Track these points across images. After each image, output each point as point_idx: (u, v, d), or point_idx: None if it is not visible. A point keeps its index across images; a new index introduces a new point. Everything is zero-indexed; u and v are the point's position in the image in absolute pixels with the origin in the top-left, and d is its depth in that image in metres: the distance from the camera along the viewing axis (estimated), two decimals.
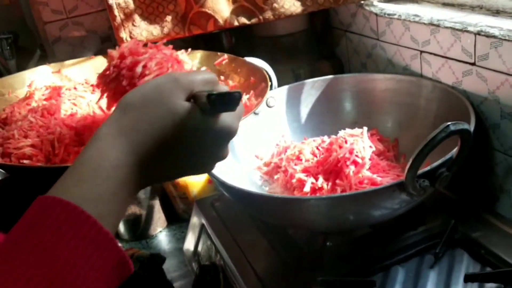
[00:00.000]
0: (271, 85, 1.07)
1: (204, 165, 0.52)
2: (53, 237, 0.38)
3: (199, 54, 1.08)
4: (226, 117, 0.48)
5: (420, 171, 0.70)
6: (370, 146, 0.92)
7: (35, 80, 1.05)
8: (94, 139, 0.45)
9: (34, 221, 0.39)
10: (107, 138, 0.44)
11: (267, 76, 0.92)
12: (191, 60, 0.94)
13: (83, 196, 0.41)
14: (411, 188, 0.69)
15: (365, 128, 0.94)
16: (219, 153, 0.51)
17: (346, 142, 0.90)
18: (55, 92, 1.00)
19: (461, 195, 0.93)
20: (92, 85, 1.06)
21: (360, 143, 0.90)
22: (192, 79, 0.48)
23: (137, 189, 0.46)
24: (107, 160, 0.43)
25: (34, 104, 0.96)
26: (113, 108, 0.70)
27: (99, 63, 1.11)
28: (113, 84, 0.81)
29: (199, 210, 1.05)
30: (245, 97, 0.89)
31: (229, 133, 0.50)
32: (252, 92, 0.90)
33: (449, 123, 0.66)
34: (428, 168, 0.71)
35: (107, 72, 0.81)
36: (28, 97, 1.00)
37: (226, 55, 1.04)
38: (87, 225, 0.39)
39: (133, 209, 1.27)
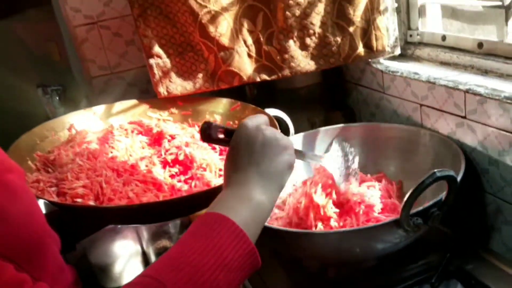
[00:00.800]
0: (288, 132, 1.22)
1: (278, 170, 0.71)
2: (208, 231, 0.60)
3: (224, 100, 1.27)
4: (237, 132, 0.71)
5: (414, 211, 0.83)
6: (380, 190, 1.04)
7: (74, 123, 1.20)
8: (237, 181, 0.69)
9: (208, 226, 0.61)
10: (247, 185, 0.69)
11: (275, 122, 1.06)
12: (209, 106, 1.20)
13: (242, 219, 0.63)
14: (406, 225, 0.82)
15: (377, 184, 1.07)
16: (282, 159, 0.71)
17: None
18: (94, 136, 1.15)
19: (456, 232, 1.04)
20: (126, 130, 1.20)
21: (371, 191, 1.03)
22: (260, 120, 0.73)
23: (263, 195, 0.68)
24: (255, 201, 0.67)
25: (78, 148, 1.09)
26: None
27: (137, 111, 1.28)
28: None
29: None
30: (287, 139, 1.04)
31: (249, 132, 0.70)
32: None
33: (435, 170, 0.79)
34: (421, 208, 0.84)
35: None
36: (71, 140, 1.14)
37: (239, 103, 1.20)
38: (245, 239, 0.61)
39: (164, 242, 1.41)
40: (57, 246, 0.71)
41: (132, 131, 1.18)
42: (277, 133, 0.72)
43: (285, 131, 1.19)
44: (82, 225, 0.99)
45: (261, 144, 0.69)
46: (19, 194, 0.61)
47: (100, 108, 1.26)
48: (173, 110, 1.26)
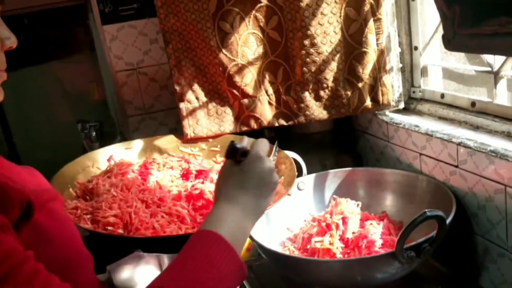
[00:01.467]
0: (302, 172, 1.36)
1: (262, 192, 0.79)
2: (210, 251, 0.68)
3: (250, 140, 1.37)
4: (248, 158, 0.79)
5: (408, 245, 0.96)
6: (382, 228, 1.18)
7: (113, 155, 1.30)
8: (228, 200, 0.77)
9: (198, 244, 0.69)
10: (237, 206, 0.76)
11: (294, 165, 1.16)
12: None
13: (231, 237, 0.71)
14: (401, 257, 0.95)
15: (380, 224, 1.21)
16: (266, 182, 0.79)
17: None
18: (130, 168, 1.25)
19: (449, 269, 1.16)
20: (158, 163, 1.32)
21: (373, 228, 1.17)
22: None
23: (249, 222, 0.77)
24: (241, 221, 0.75)
25: (114, 179, 1.19)
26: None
27: (170, 146, 1.40)
28: None
29: None
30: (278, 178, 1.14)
31: (257, 160, 0.79)
32: (282, 178, 1.14)
33: (426, 210, 0.93)
34: (414, 243, 0.97)
35: None
36: (109, 170, 1.24)
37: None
38: (235, 256, 0.69)
39: None
40: (92, 266, 0.80)
41: (164, 165, 1.32)
42: (272, 168, 0.81)
43: (299, 171, 1.33)
44: (112, 250, 1.06)
45: (264, 177, 0.79)
46: (61, 220, 0.72)
47: (137, 143, 1.38)
48: (203, 146, 1.35)
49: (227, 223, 0.73)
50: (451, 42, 0.70)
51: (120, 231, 0.97)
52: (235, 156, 0.79)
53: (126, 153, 1.34)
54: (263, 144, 0.83)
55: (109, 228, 0.96)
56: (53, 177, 1.09)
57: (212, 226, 0.71)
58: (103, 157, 1.27)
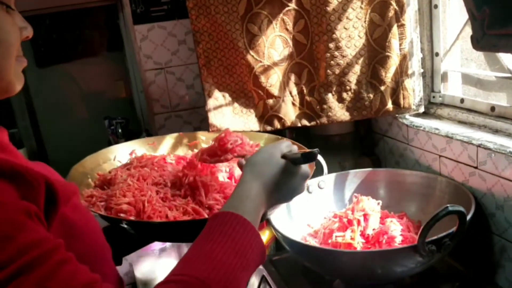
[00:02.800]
0: (323, 172, 1.39)
1: (292, 196, 0.85)
2: (232, 232, 0.69)
3: (267, 135, 1.33)
4: (304, 166, 0.84)
5: (430, 239, 1.00)
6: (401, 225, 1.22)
7: (136, 149, 1.28)
8: (242, 181, 0.80)
9: (218, 225, 0.70)
10: (250, 180, 0.80)
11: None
12: (260, 139, 1.28)
13: (244, 210, 0.73)
14: (422, 250, 0.99)
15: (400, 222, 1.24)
16: (301, 188, 0.85)
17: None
18: (150, 161, 1.20)
19: (467, 267, 1.20)
20: (175, 156, 1.27)
21: (393, 225, 1.21)
22: (280, 146, 0.85)
23: (265, 208, 0.80)
24: (252, 192, 0.78)
25: (133, 170, 1.15)
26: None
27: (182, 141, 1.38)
28: (212, 153, 1.10)
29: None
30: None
31: (306, 175, 0.85)
32: None
33: (448, 205, 0.97)
34: (435, 237, 1.01)
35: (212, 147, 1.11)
36: (130, 163, 1.21)
37: (284, 139, 1.23)
38: (249, 226, 0.71)
39: None
40: (111, 257, 0.79)
41: (178, 163, 1.24)
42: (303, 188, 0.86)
43: (320, 170, 1.37)
44: (127, 242, 1.08)
45: (298, 191, 0.85)
46: (85, 214, 0.73)
47: (159, 139, 1.36)
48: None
49: (252, 210, 0.75)
50: (479, 42, 0.74)
51: (132, 218, 0.96)
52: (307, 161, 0.82)
53: (148, 148, 1.32)
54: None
55: (122, 215, 0.96)
56: (73, 167, 1.09)
57: (240, 211, 0.73)
58: (125, 151, 1.27)
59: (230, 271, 0.65)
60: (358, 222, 1.21)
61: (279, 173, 0.81)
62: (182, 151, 1.35)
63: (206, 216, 0.99)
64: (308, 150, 0.85)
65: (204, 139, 1.36)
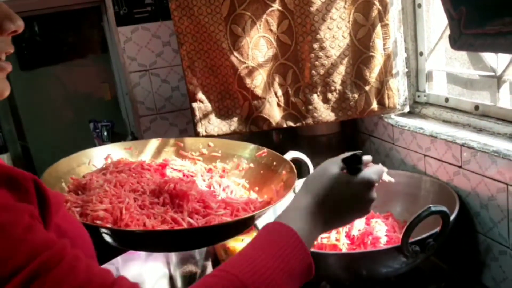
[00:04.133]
0: (309, 173, 1.39)
1: (360, 208, 0.80)
2: (276, 239, 0.70)
3: (251, 146, 1.24)
4: (363, 173, 0.79)
5: (413, 239, 0.99)
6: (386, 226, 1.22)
7: (112, 154, 1.22)
8: (295, 196, 0.78)
9: (264, 234, 0.72)
10: (300, 195, 0.78)
11: (295, 170, 1.10)
12: (237, 150, 1.22)
13: (292, 223, 0.73)
14: (406, 250, 0.98)
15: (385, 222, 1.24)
16: (367, 197, 0.80)
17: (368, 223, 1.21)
18: (127, 167, 1.15)
19: (452, 267, 1.20)
20: (150, 166, 1.21)
21: (378, 226, 1.20)
22: (339, 158, 0.82)
23: (321, 230, 0.77)
24: (301, 205, 0.76)
25: (109, 176, 1.11)
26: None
27: (171, 149, 1.30)
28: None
29: None
30: (273, 187, 1.08)
31: (368, 181, 0.79)
32: (282, 183, 1.09)
33: (430, 205, 0.96)
34: (419, 237, 1.00)
35: None
36: (105, 168, 1.16)
37: (265, 150, 1.20)
38: (294, 236, 0.71)
39: (190, 267, 1.56)
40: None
41: (156, 170, 1.19)
42: (372, 198, 0.81)
43: (307, 172, 1.37)
44: (107, 248, 1.02)
45: (357, 211, 0.81)
46: (74, 221, 0.72)
47: (138, 143, 1.31)
48: (204, 150, 1.28)
49: (304, 225, 0.74)
50: (457, 42, 0.74)
51: (109, 225, 0.93)
52: (356, 164, 0.79)
53: (124, 153, 1.26)
54: (378, 171, 0.83)
55: (98, 222, 0.92)
56: (46, 170, 1.04)
57: (290, 223, 0.73)
58: (100, 155, 1.22)
59: (269, 275, 0.66)
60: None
61: (334, 186, 0.77)
62: (164, 157, 1.29)
63: (185, 225, 0.96)
64: (349, 154, 0.81)
65: (183, 146, 1.30)
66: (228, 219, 0.96)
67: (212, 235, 0.95)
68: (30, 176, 0.59)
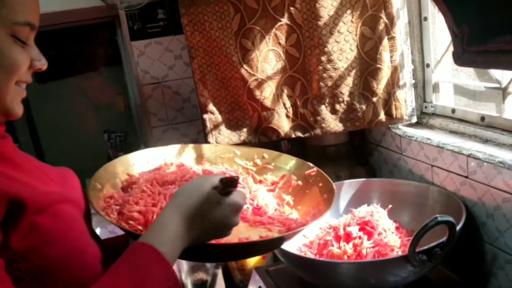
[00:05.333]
0: None
1: (224, 228, 0.79)
2: (143, 263, 0.69)
3: (293, 161, 1.21)
4: (234, 196, 0.79)
5: (421, 249, 1.02)
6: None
7: (169, 155, 1.23)
8: (162, 212, 0.77)
9: (133, 255, 0.71)
10: (169, 212, 0.76)
11: (334, 192, 1.07)
12: (289, 164, 1.20)
13: (159, 243, 0.72)
14: (413, 260, 1.01)
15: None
16: (233, 220, 0.79)
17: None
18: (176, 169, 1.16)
19: (459, 276, 1.21)
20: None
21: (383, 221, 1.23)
22: (214, 178, 0.80)
23: (185, 245, 0.75)
24: (171, 224, 0.74)
25: (151, 174, 1.12)
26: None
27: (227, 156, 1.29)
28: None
29: (257, 275, 1.37)
30: (311, 209, 1.06)
31: (237, 205, 0.79)
32: (320, 207, 1.07)
33: (437, 215, 0.99)
34: (426, 247, 1.03)
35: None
36: (158, 168, 1.17)
37: (315, 168, 1.16)
38: (164, 261, 0.70)
39: (201, 275, 1.59)
40: (99, 265, 0.82)
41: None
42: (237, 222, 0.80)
43: None
44: None
45: (229, 225, 0.79)
46: (67, 222, 0.76)
47: (195, 147, 1.30)
48: (258, 161, 1.26)
49: (168, 243, 0.73)
50: (460, 58, 0.76)
51: (140, 227, 0.95)
52: (228, 187, 0.79)
53: (182, 155, 1.27)
54: (244, 196, 0.84)
55: (131, 222, 0.95)
56: (103, 166, 1.09)
57: (156, 241, 0.72)
58: (159, 155, 1.23)
59: None
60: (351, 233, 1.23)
61: (204, 204, 0.77)
62: (219, 162, 1.28)
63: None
64: (228, 176, 0.80)
65: (239, 154, 1.28)
66: (276, 234, 0.97)
67: (243, 251, 0.94)
68: (5, 192, 0.66)
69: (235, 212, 0.79)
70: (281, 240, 0.93)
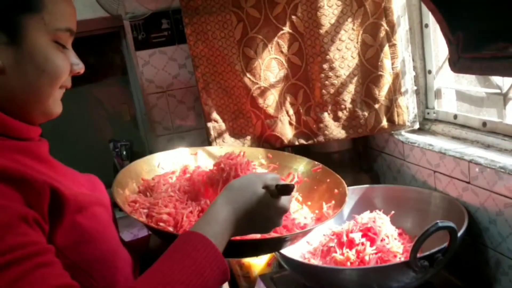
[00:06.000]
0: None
1: (267, 228, 0.85)
2: (192, 251, 0.72)
3: (298, 159, 1.26)
4: (283, 200, 0.84)
5: (422, 254, 1.02)
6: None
7: (179, 158, 1.25)
8: (214, 203, 0.81)
9: (181, 244, 0.73)
10: (221, 204, 0.80)
11: (346, 190, 1.11)
12: (294, 163, 1.23)
13: (209, 232, 0.75)
14: (414, 265, 1.01)
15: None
16: (277, 222, 0.85)
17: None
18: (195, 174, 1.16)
19: (463, 282, 1.21)
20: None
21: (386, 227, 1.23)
22: (265, 176, 0.85)
23: (232, 235, 0.80)
24: (221, 216, 0.79)
25: (174, 179, 1.15)
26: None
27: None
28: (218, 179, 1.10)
29: (261, 282, 1.37)
30: (325, 205, 1.10)
31: (284, 209, 0.84)
32: (333, 202, 1.11)
33: (438, 221, 0.99)
34: (427, 252, 1.03)
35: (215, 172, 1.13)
36: (172, 172, 1.19)
37: (320, 165, 1.21)
38: (213, 248, 0.73)
39: None
40: (130, 268, 0.86)
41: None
42: (280, 224, 0.85)
43: None
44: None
45: (275, 224, 0.84)
46: (103, 223, 0.80)
47: (204, 150, 1.32)
48: (263, 161, 1.30)
49: (218, 233, 0.76)
50: (456, 65, 0.77)
51: (170, 229, 0.99)
52: (284, 194, 0.83)
53: (191, 158, 1.30)
54: (289, 201, 0.87)
55: (161, 224, 0.98)
56: (121, 171, 1.12)
57: (206, 229, 0.76)
58: (170, 159, 1.27)
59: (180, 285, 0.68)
60: (354, 240, 1.23)
61: (254, 203, 0.81)
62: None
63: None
64: (285, 183, 0.84)
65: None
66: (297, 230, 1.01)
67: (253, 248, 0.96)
68: (47, 183, 0.68)
69: (280, 215, 0.85)
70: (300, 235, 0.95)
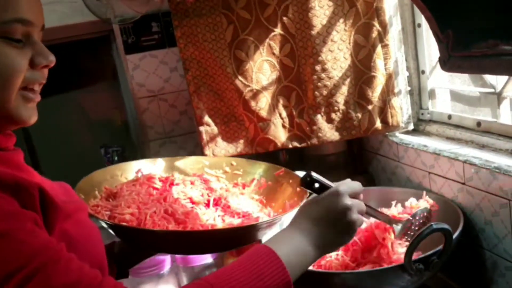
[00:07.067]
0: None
1: (348, 225, 0.85)
2: (255, 259, 0.75)
3: (261, 165, 1.28)
4: (328, 192, 0.88)
5: (417, 257, 1.00)
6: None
7: (142, 168, 1.27)
8: (295, 226, 0.84)
9: (254, 254, 0.76)
10: (302, 232, 0.82)
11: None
12: (257, 169, 1.25)
13: (285, 255, 0.76)
14: (409, 269, 0.99)
15: None
16: (351, 217, 0.85)
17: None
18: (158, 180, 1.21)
19: (460, 284, 1.19)
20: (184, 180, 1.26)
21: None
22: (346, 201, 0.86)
23: (317, 247, 0.82)
24: (302, 246, 0.80)
25: (138, 187, 1.17)
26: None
27: (195, 166, 1.35)
28: None
29: None
30: (287, 202, 1.11)
31: (333, 193, 0.87)
32: (295, 199, 1.12)
33: (432, 223, 0.97)
34: (422, 255, 1.01)
35: None
36: (135, 180, 1.22)
37: (283, 169, 1.23)
38: (274, 257, 0.75)
39: None
40: (113, 275, 0.87)
41: (192, 183, 1.26)
42: (359, 219, 0.87)
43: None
44: (132, 255, 1.12)
45: (338, 213, 0.84)
46: (88, 228, 0.80)
47: (165, 161, 1.35)
48: (227, 169, 1.32)
49: (286, 244, 0.79)
50: (446, 64, 0.76)
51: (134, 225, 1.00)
52: (311, 186, 0.87)
53: (153, 169, 1.32)
54: (348, 183, 0.91)
55: (124, 224, 0.99)
56: (82, 179, 1.12)
57: (270, 244, 0.79)
58: (132, 169, 1.29)
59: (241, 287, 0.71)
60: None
61: (305, 206, 0.86)
62: (193, 172, 1.34)
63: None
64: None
65: (208, 164, 1.36)
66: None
67: (223, 240, 0.98)
68: (36, 184, 0.67)
69: (335, 197, 0.86)
70: (251, 229, 0.96)
